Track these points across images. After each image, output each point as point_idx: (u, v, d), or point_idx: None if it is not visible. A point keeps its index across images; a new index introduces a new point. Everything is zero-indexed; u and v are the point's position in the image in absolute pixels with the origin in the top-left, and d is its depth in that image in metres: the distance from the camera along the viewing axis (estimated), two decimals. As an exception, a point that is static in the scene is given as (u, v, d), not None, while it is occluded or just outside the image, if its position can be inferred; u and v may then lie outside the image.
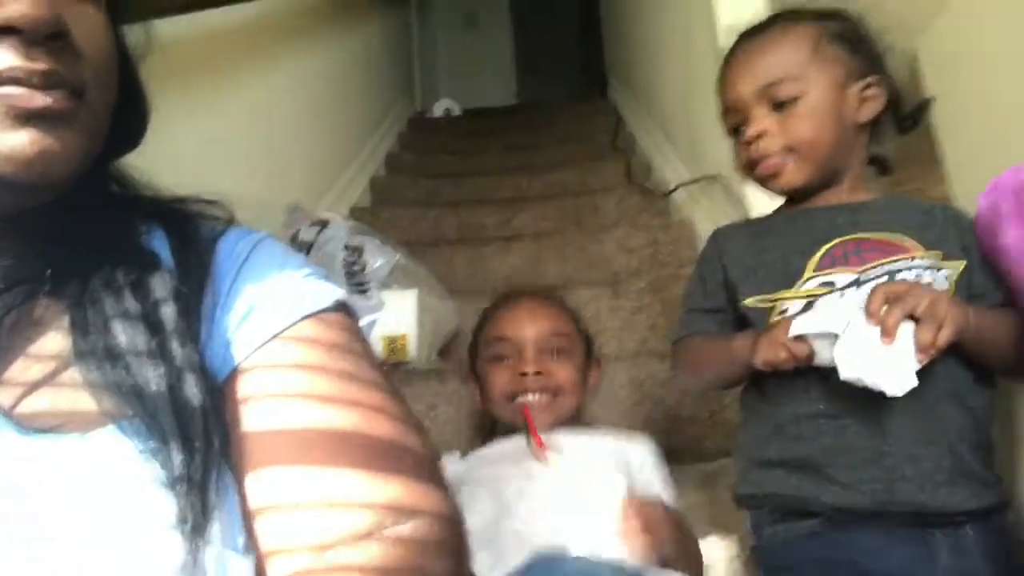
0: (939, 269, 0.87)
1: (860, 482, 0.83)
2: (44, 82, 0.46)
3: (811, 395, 0.87)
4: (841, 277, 0.88)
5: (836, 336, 0.80)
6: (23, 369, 0.48)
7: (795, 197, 0.98)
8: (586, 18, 4.64)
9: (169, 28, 1.32)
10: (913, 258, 0.87)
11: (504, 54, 5.33)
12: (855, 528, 0.84)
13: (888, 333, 0.77)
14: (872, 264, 0.88)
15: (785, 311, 0.90)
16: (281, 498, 0.51)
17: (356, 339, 0.58)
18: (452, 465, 1.13)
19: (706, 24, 1.81)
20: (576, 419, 1.18)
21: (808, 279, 0.89)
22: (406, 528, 0.50)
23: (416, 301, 1.58)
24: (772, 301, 0.91)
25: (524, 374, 1.13)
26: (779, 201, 1.04)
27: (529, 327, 1.17)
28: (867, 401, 0.81)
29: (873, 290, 0.81)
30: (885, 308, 0.78)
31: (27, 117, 0.46)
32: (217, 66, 1.68)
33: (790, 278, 0.91)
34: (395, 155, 3.26)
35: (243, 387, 0.53)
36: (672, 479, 1.11)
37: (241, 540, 0.50)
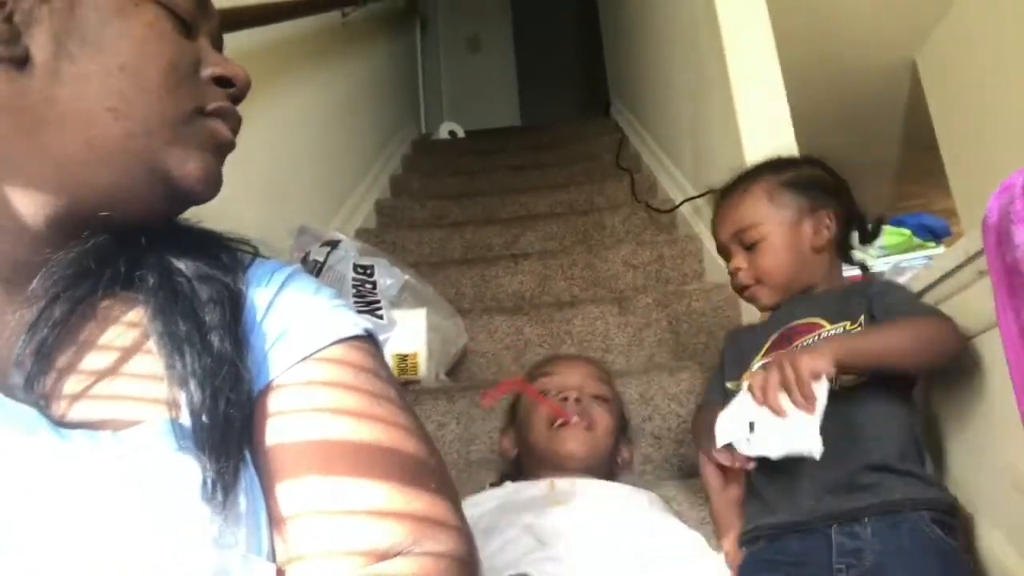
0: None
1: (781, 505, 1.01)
2: (237, 129, 0.60)
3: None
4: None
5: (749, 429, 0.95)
6: (80, 370, 0.50)
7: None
8: (588, 38, 4.68)
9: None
10: (819, 334, 1.07)
11: (507, 76, 5.37)
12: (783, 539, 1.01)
13: (777, 411, 0.93)
14: (794, 344, 1.08)
15: (734, 395, 1.07)
16: (306, 508, 0.52)
17: (382, 366, 0.61)
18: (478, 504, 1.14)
19: (714, 43, 1.84)
20: (606, 471, 1.23)
21: (756, 363, 1.11)
22: (430, 543, 0.52)
23: (426, 320, 1.60)
24: (737, 384, 1.10)
25: (566, 399, 1.21)
26: None
27: (575, 372, 1.28)
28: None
29: (750, 379, 0.99)
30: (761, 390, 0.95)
31: (220, 147, 0.58)
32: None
33: (739, 371, 1.12)
34: (400, 178, 3.28)
35: (273, 402, 0.55)
36: (682, 492, 1.11)
37: (266, 547, 0.51)
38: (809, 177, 1.21)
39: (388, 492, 0.52)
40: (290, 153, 2.13)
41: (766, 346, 1.13)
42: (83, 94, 0.51)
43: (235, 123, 0.60)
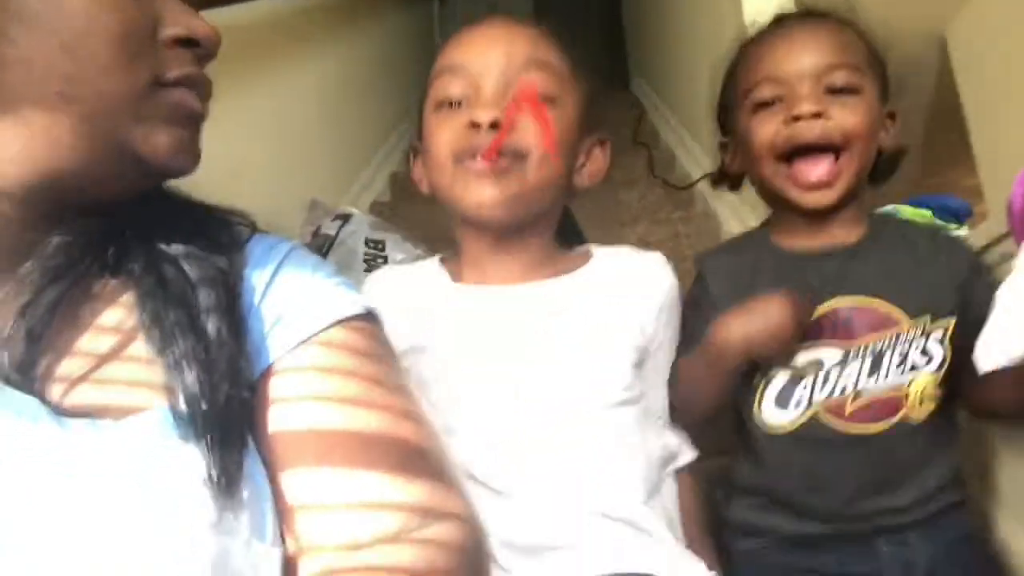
0: (927, 336, 0.87)
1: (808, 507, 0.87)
2: (206, 95, 0.56)
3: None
4: (829, 354, 0.88)
5: None
6: (75, 353, 0.49)
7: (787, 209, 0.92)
8: (609, 10, 4.60)
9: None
10: (898, 335, 0.86)
11: (526, 48, 5.30)
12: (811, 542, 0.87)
13: None
14: (858, 341, 0.87)
15: (773, 377, 0.89)
16: (311, 498, 0.52)
17: (382, 346, 0.61)
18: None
19: (734, 17, 1.80)
20: (551, 219, 0.87)
21: (798, 350, 0.88)
22: (433, 531, 0.51)
23: (436, 295, 1.58)
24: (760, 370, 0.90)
25: (476, 125, 0.78)
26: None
27: (492, 52, 0.80)
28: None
29: None
30: None
31: (190, 119, 0.54)
32: (237, 63, 1.68)
33: None
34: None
35: (274, 388, 0.55)
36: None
37: (271, 533, 0.51)
38: (885, 65, 0.93)
39: (383, 481, 0.52)
40: (302, 125, 2.12)
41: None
42: (29, 80, 0.48)
43: (203, 89, 0.56)
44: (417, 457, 0.55)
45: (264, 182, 1.72)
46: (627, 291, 0.84)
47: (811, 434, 0.87)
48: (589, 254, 0.90)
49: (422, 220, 2.42)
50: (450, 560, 0.51)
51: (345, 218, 1.72)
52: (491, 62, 0.79)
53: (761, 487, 0.91)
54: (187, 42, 0.54)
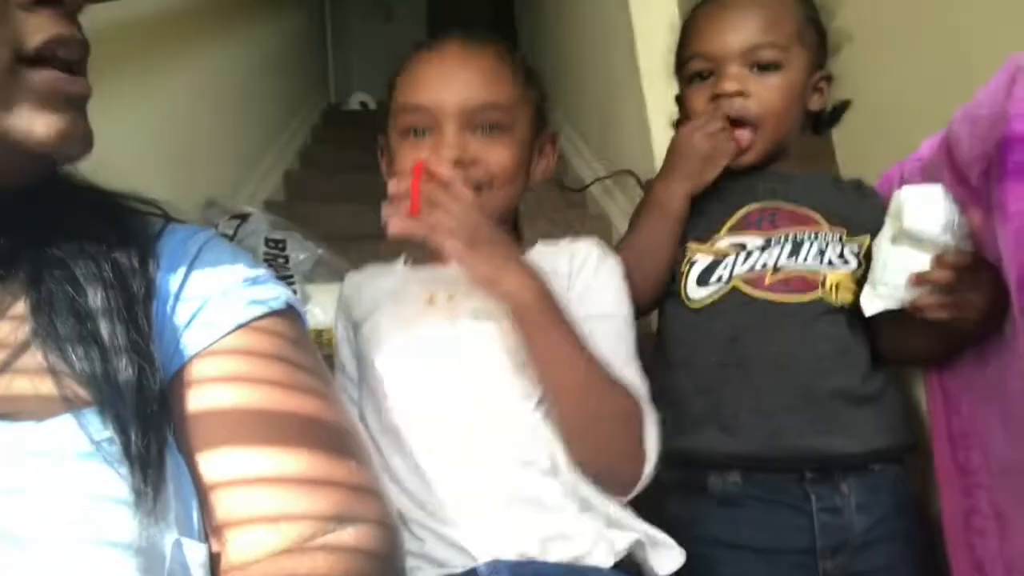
0: (843, 244, 0.96)
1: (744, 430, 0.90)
2: (82, 57, 0.49)
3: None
4: (751, 240, 0.96)
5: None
6: None
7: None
8: (501, 14, 4.66)
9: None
10: (817, 232, 0.95)
11: (419, 48, 5.28)
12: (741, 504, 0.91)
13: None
14: (781, 231, 0.96)
15: (696, 261, 0.97)
16: (240, 475, 0.52)
17: (294, 344, 0.59)
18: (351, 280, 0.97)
19: (623, 24, 1.87)
20: (505, 223, 0.90)
21: (721, 237, 0.97)
22: (345, 536, 0.51)
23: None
24: (684, 251, 0.99)
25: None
26: None
27: (452, 90, 0.85)
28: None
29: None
30: None
31: (68, 99, 0.49)
32: (124, 59, 1.62)
33: (705, 234, 0.99)
34: (309, 148, 3.21)
35: (195, 374, 0.54)
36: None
37: (197, 527, 0.51)
38: (821, 26, 1.00)
39: (314, 460, 0.52)
40: (196, 122, 2.05)
41: (736, 217, 0.98)
42: None
43: (76, 53, 0.49)
44: (339, 439, 0.55)
45: (156, 181, 1.66)
46: (555, 277, 0.85)
47: (731, 302, 0.94)
48: (533, 246, 0.94)
49: (319, 218, 2.39)
50: (363, 565, 0.51)
51: (243, 217, 1.70)
52: (449, 103, 0.85)
53: (683, 391, 0.94)
54: (47, 1, 0.47)
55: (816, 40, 0.99)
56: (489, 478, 0.79)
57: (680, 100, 1.08)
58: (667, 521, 0.95)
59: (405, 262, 0.97)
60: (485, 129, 0.86)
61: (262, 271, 0.61)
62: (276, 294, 0.59)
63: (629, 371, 0.83)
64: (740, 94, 0.95)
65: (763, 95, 0.95)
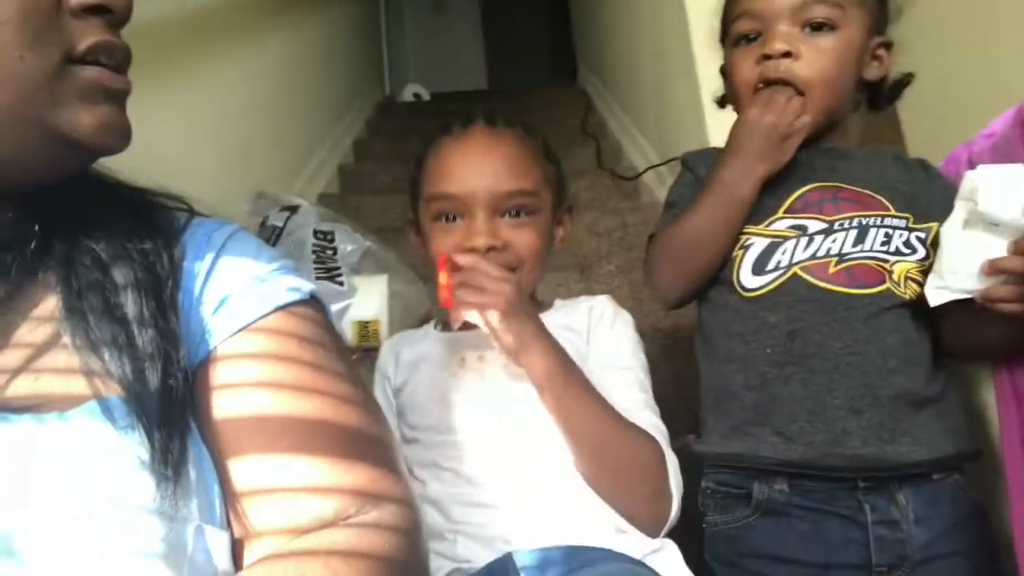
0: (910, 231, 0.89)
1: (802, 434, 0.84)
2: (125, 62, 0.53)
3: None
4: (813, 223, 0.89)
5: None
6: (13, 346, 0.49)
7: None
8: (556, 3, 4.62)
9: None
10: (883, 217, 0.88)
11: (473, 38, 5.29)
12: (788, 514, 0.85)
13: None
14: (845, 215, 0.88)
15: (750, 245, 0.90)
16: (255, 484, 0.52)
17: (326, 331, 0.60)
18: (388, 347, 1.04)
19: (678, 10, 1.82)
20: (528, 295, 0.96)
21: (778, 219, 0.90)
22: (370, 515, 0.52)
23: (387, 286, 1.58)
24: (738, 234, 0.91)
25: (473, 249, 0.90)
26: None
27: (481, 178, 0.91)
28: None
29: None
30: None
31: (109, 94, 0.52)
32: (180, 53, 1.65)
33: (761, 215, 0.91)
34: (363, 141, 3.23)
35: (217, 374, 0.55)
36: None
37: (219, 514, 0.51)
38: None
39: (327, 466, 0.52)
40: (249, 115, 2.08)
41: (793, 197, 0.90)
42: None
43: (119, 57, 0.53)
44: (355, 441, 0.55)
45: (209, 175, 1.69)
46: (571, 335, 0.93)
47: (791, 292, 0.87)
48: (551, 305, 1.01)
49: (371, 211, 2.41)
50: (388, 543, 0.51)
51: (293, 209, 1.71)
52: (480, 191, 0.91)
53: (732, 389, 0.89)
54: (96, 9, 0.51)
55: (876, 4, 0.91)
56: (530, 495, 0.85)
57: (724, 71, 1.00)
58: (705, 529, 0.92)
59: (435, 326, 1.03)
60: (513, 213, 0.92)
61: (284, 263, 0.61)
62: (299, 284, 0.60)
63: (649, 416, 0.89)
64: (788, 55, 0.87)
65: (813, 57, 0.87)
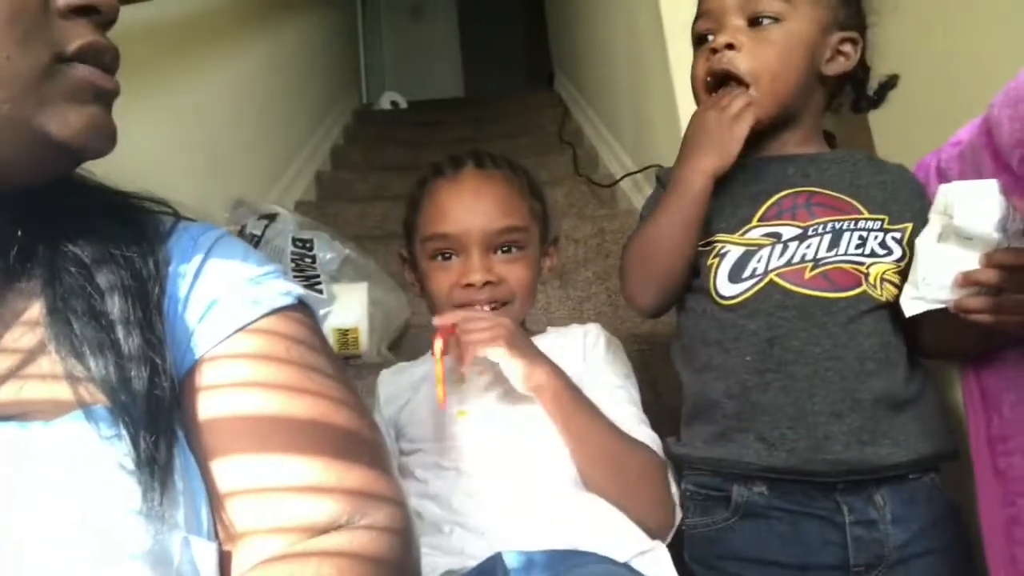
0: (885, 232, 0.90)
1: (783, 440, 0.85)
2: (113, 63, 0.53)
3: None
4: (787, 230, 0.90)
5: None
6: None
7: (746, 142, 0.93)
8: (532, 9, 4.64)
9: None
10: (857, 220, 0.89)
11: (450, 45, 5.30)
12: (767, 516, 0.87)
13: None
14: (819, 220, 0.89)
15: (726, 253, 0.91)
16: (244, 485, 0.52)
17: (315, 335, 0.60)
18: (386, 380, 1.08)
19: (652, 16, 1.84)
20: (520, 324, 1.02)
21: (753, 227, 0.91)
22: (366, 518, 0.52)
23: (367, 294, 1.58)
24: (712, 243, 0.92)
25: (470, 285, 0.98)
26: None
27: (475, 218, 0.98)
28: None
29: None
30: None
31: (98, 95, 0.51)
32: (157, 60, 1.64)
33: (735, 225, 0.92)
34: (341, 148, 3.23)
35: (205, 377, 0.54)
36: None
37: (206, 525, 0.51)
38: None
39: (320, 467, 0.52)
40: (226, 122, 2.08)
41: (767, 205, 0.91)
42: None
43: (109, 57, 0.53)
44: (349, 443, 0.55)
45: (186, 182, 1.69)
46: (565, 357, 0.98)
47: (768, 299, 0.88)
48: (543, 331, 1.08)
49: (349, 219, 2.41)
50: (384, 545, 0.52)
51: (271, 217, 1.71)
52: (474, 230, 0.98)
53: (710, 396, 0.90)
54: (84, 10, 0.51)
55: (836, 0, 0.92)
56: (527, 496, 0.90)
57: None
58: (684, 531, 0.93)
59: (432, 353, 1.05)
60: (505, 249, 1.00)
61: (271, 267, 0.61)
62: (287, 289, 0.60)
63: (644, 428, 0.96)
64: (731, 47, 0.88)
65: (756, 49, 0.88)
